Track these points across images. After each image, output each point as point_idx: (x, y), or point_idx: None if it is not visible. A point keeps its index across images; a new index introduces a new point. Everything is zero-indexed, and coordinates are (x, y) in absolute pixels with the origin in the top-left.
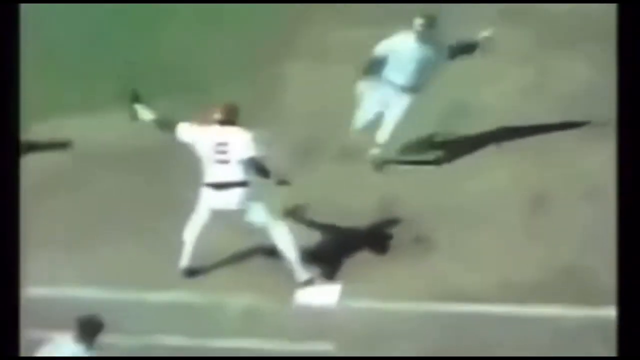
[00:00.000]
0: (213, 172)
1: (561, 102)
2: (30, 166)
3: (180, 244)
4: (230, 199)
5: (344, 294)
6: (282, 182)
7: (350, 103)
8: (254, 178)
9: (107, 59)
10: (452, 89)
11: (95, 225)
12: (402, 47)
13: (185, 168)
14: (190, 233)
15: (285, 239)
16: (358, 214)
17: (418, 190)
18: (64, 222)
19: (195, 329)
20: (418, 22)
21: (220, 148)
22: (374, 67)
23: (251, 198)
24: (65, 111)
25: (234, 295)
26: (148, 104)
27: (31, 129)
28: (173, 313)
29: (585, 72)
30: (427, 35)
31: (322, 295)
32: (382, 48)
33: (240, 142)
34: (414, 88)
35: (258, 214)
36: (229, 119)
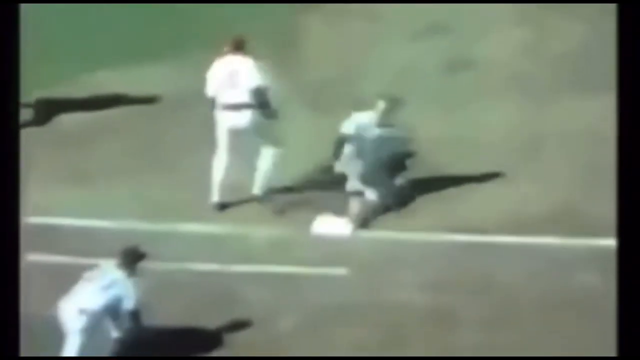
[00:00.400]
0: (226, 96)
1: (558, 61)
2: (79, 119)
3: (208, 180)
4: (241, 119)
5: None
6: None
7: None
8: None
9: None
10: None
11: (133, 164)
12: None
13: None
14: (217, 171)
15: (266, 164)
16: None
17: (433, 126)
18: (109, 162)
19: (223, 257)
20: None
21: (231, 75)
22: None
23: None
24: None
25: (258, 227)
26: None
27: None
28: (204, 243)
29: (583, 33)
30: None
31: (337, 225)
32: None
33: (246, 70)
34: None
35: (263, 132)
36: (237, 49)
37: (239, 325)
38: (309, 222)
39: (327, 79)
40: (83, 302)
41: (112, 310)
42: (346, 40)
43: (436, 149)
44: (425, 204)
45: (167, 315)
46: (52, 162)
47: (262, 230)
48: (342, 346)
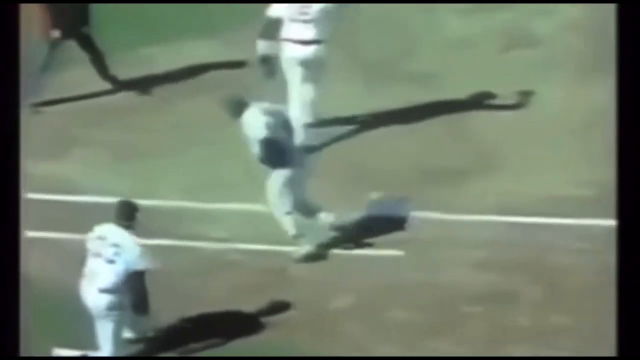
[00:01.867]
0: (296, 30)
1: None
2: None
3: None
4: (309, 52)
5: (413, 206)
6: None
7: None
8: None
9: None
10: None
11: (174, 140)
12: None
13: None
14: None
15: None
16: None
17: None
18: (154, 137)
19: (272, 236)
20: None
21: (304, 10)
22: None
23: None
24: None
25: None
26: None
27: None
28: (253, 222)
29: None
30: None
31: (394, 207)
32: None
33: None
34: None
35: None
36: None
37: (286, 306)
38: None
39: (380, 54)
40: (99, 281)
41: (128, 282)
42: (401, 15)
43: (491, 127)
44: (481, 183)
45: (216, 296)
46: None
47: None
48: (396, 327)
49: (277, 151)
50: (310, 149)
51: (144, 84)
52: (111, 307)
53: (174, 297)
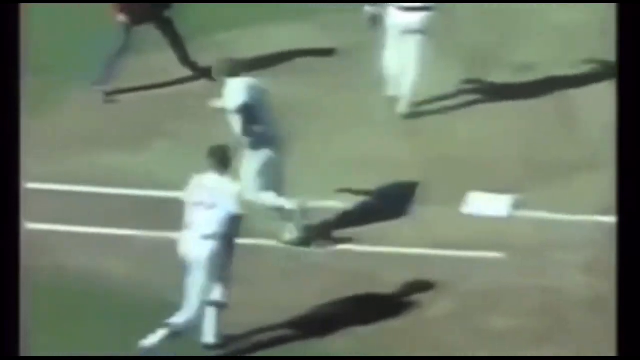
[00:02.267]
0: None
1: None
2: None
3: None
4: (416, 19)
5: (515, 205)
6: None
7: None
8: None
9: None
10: None
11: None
12: None
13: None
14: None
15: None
16: None
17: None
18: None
19: (362, 236)
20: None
21: None
22: None
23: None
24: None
25: None
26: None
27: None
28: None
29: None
30: None
31: (494, 205)
32: None
33: None
34: None
35: None
36: None
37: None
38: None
39: (481, 42)
40: (201, 228)
41: (227, 228)
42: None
43: (598, 116)
44: (585, 184)
45: (305, 298)
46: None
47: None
48: (498, 333)
49: (255, 121)
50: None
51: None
52: (212, 255)
53: (253, 301)
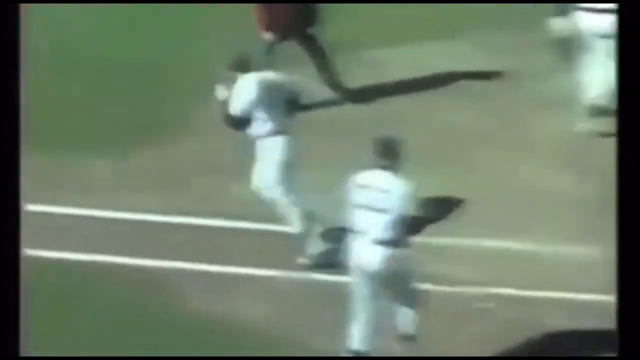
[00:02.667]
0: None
1: None
2: None
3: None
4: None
5: None
6: None
7: None
8: None
9: None
10: None
11: None
12: None
13: None
14: None
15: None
16: None
17: None
18: None
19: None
20: None
21: None
22: None
23: None
24: None
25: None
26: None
27: None
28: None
29: None
30: None
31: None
32: None
33: None
34: None
35: None
36: None
37: None
38: None
39: None
40: (371, 233)
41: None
42: None
43: None
44: None
45: (466, 347)
46: None
47: (569, 248)
48: None
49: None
50: None
51: (373, 93)
52: (386, 261)
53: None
